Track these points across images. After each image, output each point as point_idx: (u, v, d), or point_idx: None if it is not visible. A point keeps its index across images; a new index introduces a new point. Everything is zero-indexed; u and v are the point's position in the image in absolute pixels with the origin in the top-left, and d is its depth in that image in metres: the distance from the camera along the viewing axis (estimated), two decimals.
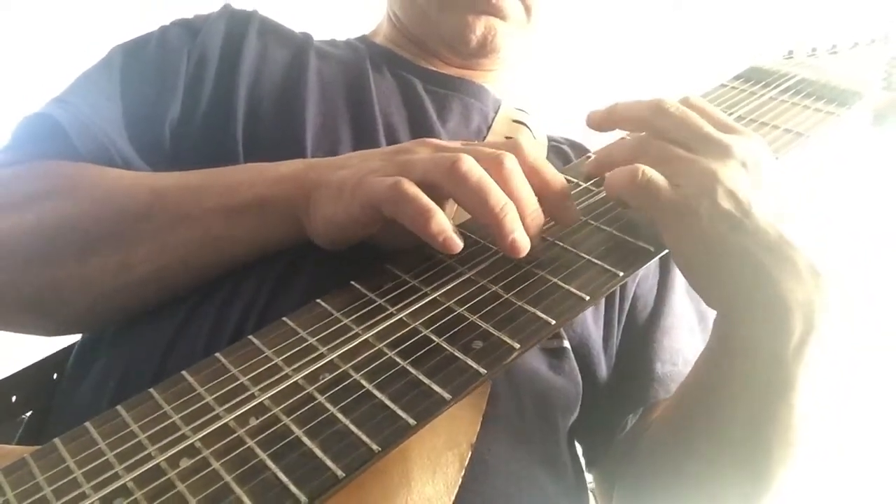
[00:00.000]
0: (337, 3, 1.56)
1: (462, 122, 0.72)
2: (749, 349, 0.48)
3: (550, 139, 0.78)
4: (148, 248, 0.52)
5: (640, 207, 0.47)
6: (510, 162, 0.46)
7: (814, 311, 0.45)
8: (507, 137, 0.72)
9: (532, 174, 0.47)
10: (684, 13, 1.70)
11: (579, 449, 0.67)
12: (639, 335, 0.67)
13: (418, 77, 0.74)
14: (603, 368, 0.64)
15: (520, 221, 0.44)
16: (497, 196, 0.44)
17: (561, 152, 0.76)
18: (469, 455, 0.42)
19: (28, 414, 0.60)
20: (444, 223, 0.43)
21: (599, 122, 0.54)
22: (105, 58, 0.69)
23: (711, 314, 0.52)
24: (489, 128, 0.73)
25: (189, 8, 0.76)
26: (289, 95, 0.67)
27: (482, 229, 0.50)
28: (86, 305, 0.55)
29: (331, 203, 0.49)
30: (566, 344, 0.59)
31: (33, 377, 0.61)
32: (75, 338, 0.60)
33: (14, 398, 0.59)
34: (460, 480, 0.40)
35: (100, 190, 0.55)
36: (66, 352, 0.61)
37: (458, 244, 0.43)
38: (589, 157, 0.57)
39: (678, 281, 0.70)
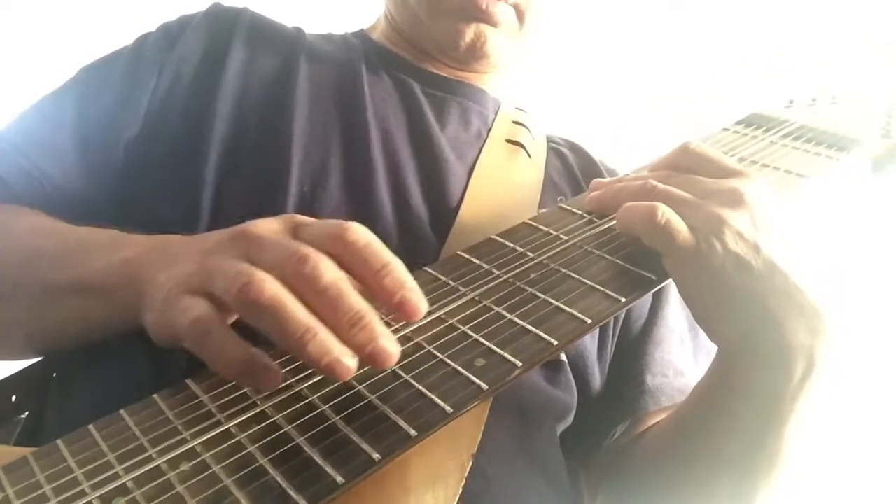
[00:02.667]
0: None
1: (461, 125, 0.72)
2: (749, 387, 0.49)
3: (549, 139, 0.78)
4: (18, 312, 0.54)
5: (654, 245, 0.47)
6: (311, 265, 0.38)
7: (814, 353, 0.47)
8: (507, 140, 0.72)
9: (357, 264, 0.40)
10: (684, 14, 1.72)
11: None
12: (631, 346, 0.68)
13: (416, 79, 0.73)
14: (597, 379, 0.64)
15: (330, 343, 0.36)
16: (294, 323, 0.36)
17: (559, 153, 0.77)
18: (469, 465, 0.42)
19: (25, 414, 0.60)
20: (247, 361, 0.37)
21: (594, 208, 0.55)
22: (68, 80, 0.69)
23: None
24: (489, 130, 0.73)
25: (183, 6, 0.75)
26: (276, 105, 0.66)
27: (486, 254, 0.51)
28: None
29: (150, 311, 0.44)
30: (563, 357, 0.60)
31: (32, 377, 0.61)
32: None
33: (14, 398, 0.59)
34: (460, 491, 0.40)
35: None
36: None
37: (276, 379, 0.38)
38: (594, 188, 0.58)
39: (672, 293, 0.71)
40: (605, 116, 1.51)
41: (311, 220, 0.44)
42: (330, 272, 0.38)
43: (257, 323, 0.38)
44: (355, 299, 0.38)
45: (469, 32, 0.71)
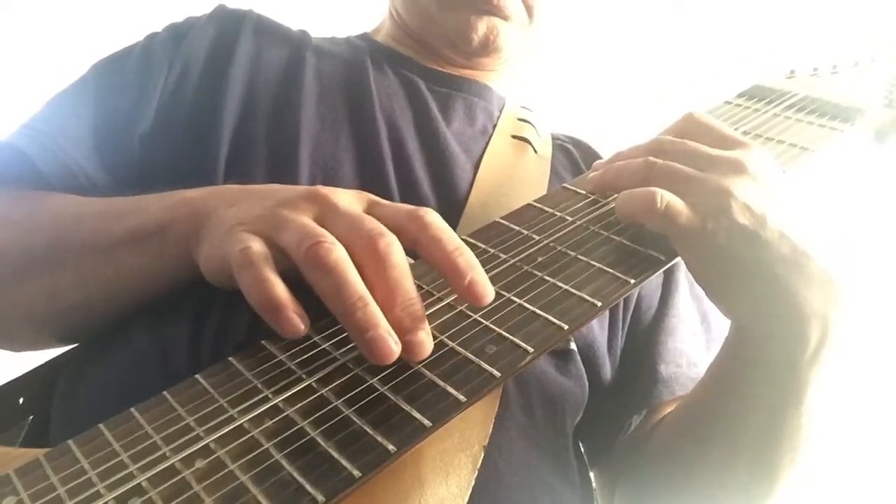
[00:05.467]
0: (337, 1, 1.57)
1: (466, 121, 0.72)
2: (764, 360, 0.49)
3: (554, 137, 0.79)
4: (71, 277, 0.53)
5: (659, 230, 0.47)
6: (385, 242, 0.40)
7: (828, 319, 0.47)
8: (512, 136, 0.73)
9: (432, 244, 0.42)
10: (686, 12, 1.71)
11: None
12: (643, 336, 0.68)
13: (421, 76, 0.74)
14: (608, 370, 0.64)
15: (378, 318, 0.38)
16: (351, 289, 0.38)
17: (565, 150, 0.77)
18: (482, 457, 0.42)
19: (31, 417, 0.59)
20: (279, 298, 0.39)
21: (596, 189, 0.54)
22: (84, 74, 0.69)
23: (714, 314, 0.53)
24: (494, 126, 0.74)
25: (187, 7, 0.75)
26: (285, 98, 0.66)
27: (492, 237, 0.51)
28: (32, 329, 0.57)
29: (207, 242, 0.47)
30: (573, 346, 0.60)
31: (39, 379, 0.61)
32: None
33: (21, 401, 0.59)
34: (473, 482, 0.40)
35: (34, 220, 0.57)
36: (71, 353, 0.61)
37: (298, 325, 0.39)
38: (595, 168, 0.57)
39: (682, 282, 0.71)
40: (606, 114, 1.52)
41: (384, 200, 0.47)
42: (400, 254, 0.41)
43: (315, 281, 0.39)
44: (414, 287, 0.40)
45: (482, 26, 0.72)
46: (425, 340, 0.39)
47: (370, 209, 0.46)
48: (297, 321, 0.39)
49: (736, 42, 1.47)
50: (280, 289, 0.39)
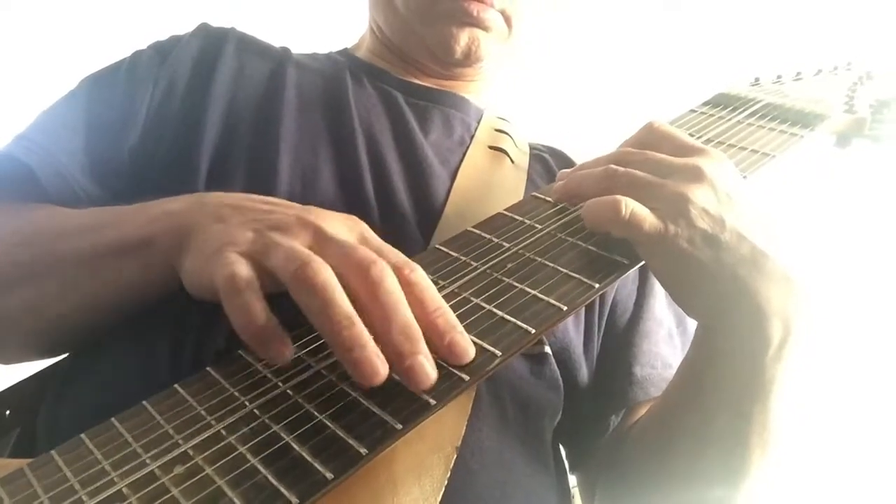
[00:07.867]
0: (317, 18, 1.58)
1: (444, 132, 0.74)
2: (730, 357, 0.51)
3: (532, 147, 0.80)
4: (56, 289, 0.54)
5: (623, 236, 0.49)
6: (379, 268, 0.41)
7: (789, 317, 0.48)
8: (489, 147, 0.74)
9: (414, 302, 0.42)
10: (676, 14, 1.72)
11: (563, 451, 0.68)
12: (618, 339, 0.69)
13: (399, 89, 0.76)
14: (584, 373, 0.65)
15: (366, 339, 0.38)
16: (338, 309, 0.39)
17: (541, 158, 0.78)
18: (454, 458, 0.43)
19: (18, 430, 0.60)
20: (264, 327, 0.40)
21: (560, 198, 0.56)
22: (74, 89, 0.71)
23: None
24: (472, 137, 0.75)
25: (186, 12, 0.77)
26: (265, 112, 0.68)
27: (463, 246, 0.52)
28: (17, 341, 0.58)
29: (192, 256, 0.48)
30: (547, 349, 0.61)
31: (24, 392, 0.62)
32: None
33: (7, 413, 0.60)
34: (446, 482, 0.42)
35: (21, 234, 0.58)
36: (57, 366, 0.62)
37: (282, 353, 0.40)
38: (560, 178, 0.59)
39: (657, 286, 0.72)
40: (594, 121, 1.52)
41: (378, 239, 0.47)
42: (393, 280, 0.41)
43: (302, 302, 0.40)
44: (410, 313, 0.40)
45: (463, 37, 0.73)
46: (425, 364, 0.39)
47: (361, 240, 0.47)
48: (281, 350, 0.40)
49: (729, 46, 1.49)
50: (265, 317, 0.40)
